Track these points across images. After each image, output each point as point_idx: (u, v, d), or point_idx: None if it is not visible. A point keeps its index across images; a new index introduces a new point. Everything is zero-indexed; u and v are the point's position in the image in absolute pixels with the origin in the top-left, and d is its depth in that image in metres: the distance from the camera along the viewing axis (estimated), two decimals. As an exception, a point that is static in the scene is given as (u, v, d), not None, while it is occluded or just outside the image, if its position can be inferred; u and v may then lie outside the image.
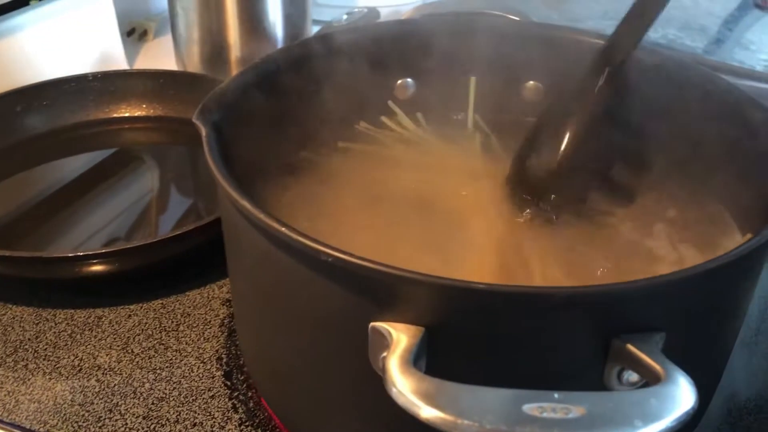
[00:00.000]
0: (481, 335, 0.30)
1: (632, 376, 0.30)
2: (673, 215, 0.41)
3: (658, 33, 0.68)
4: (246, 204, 0.32)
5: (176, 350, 0.47)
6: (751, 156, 0.38)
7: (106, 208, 0.61)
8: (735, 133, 0.39)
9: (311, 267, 0.31)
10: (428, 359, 0.30)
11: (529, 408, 0.23)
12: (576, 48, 0.49)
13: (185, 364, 0.46)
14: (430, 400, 0.24)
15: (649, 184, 0.43)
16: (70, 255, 0.49)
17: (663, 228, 0.40)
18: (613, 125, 0.42)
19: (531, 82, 0.54)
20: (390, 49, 0.53)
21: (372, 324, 0.30)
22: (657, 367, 0.27)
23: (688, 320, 0.31)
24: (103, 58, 0.79)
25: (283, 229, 0.31)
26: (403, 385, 0.25)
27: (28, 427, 0.42)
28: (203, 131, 0.38)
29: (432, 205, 0.46)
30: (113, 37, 0.78)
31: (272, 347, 0.38)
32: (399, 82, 0.54)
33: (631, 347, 0.28)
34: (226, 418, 0.43)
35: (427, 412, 0.24)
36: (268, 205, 0.42)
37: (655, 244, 0.39)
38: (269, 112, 0.46)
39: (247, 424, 0.42)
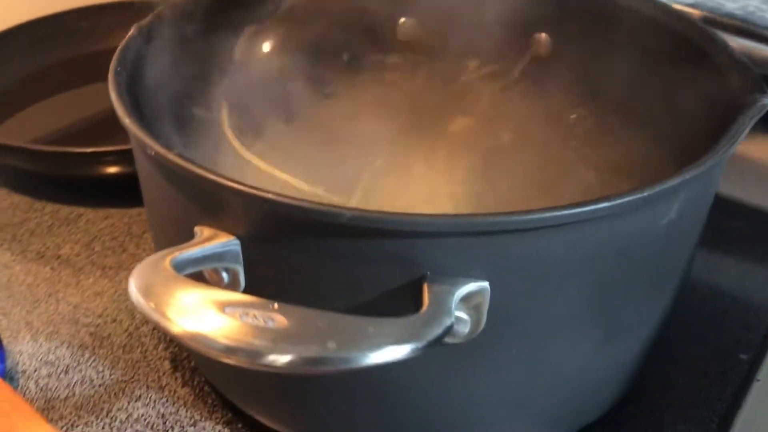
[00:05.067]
0: (286, 251, 0.28)
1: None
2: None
3: (737, 3, 0.60)
4: (114, 95, 0.33)
5: (131, 254, 0.49)
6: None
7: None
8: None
9: (153, 164, 0.31)
10: (247, 275, 0.29)
11: (232, 311, 0.22)
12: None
13: (133, 267, 0.48)
14: (142, 293, 0.23)
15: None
16: (78, 151, 0.52)
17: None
18: None
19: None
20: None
21: (195, 227, 0.30)
22: (425, 299, 0.24)
23: (513, 276, 0.27)
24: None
25: (127, 120, 0.31)
26: (136, 277, 0.24)
27: (-23, 296, 0.45)
28: (131, 32, 0.39)
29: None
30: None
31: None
32: (402, 20, 0.52)
33: (426, 285, 0.26)
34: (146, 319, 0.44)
35: (134, 294, 0.23)
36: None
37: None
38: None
39: (161, 329, 0.43)
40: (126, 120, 0.31)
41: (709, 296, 0.47)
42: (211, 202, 0.29)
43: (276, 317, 0.22)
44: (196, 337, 0.22)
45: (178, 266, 0.26)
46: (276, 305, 0.22)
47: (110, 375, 0.41)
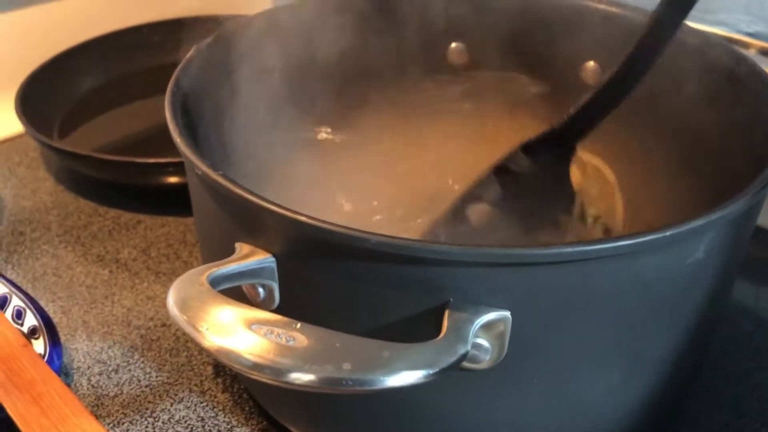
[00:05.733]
0: (316, 271, 0.29)
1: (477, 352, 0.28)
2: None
3: None
4: (169, 115, 0.35)
5: (185, 261, 0.52)
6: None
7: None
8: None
9: (200, 182, 0.33)
10: (281, 292, 0.31)
11: (258, 327, 0.23)
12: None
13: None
14: (177, 305, 0.25)
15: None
16: (139, 161, 0.55)
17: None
18: None
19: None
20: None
21: (236, 243, 0.32)
22: (444, 326, 0.25)
23: (535, 307, 0.28)
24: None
25: (179, 139, 0.33)
26: (174, 290, 0.26)
27: (39, 297, 0.48)
28: (190, 52, 0.41)
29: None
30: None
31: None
32: (453, 45, 0.53)
33: (447, 311, 0.27)
34: (193, 326, 0.46)
35: (171, 306, 0.25)
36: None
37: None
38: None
39: (207, 336, 0.45)
40: (178, 139, 0.33)
41: (754, 332, 0.46)
42: (250, 220, 0.30)
43: (297, 336, 0.23)
44: (224, 352, 0.23)
45: (215, 282, 0.27)
46: (299, 325, 0.24)
47: (156, 377, 0.43)
